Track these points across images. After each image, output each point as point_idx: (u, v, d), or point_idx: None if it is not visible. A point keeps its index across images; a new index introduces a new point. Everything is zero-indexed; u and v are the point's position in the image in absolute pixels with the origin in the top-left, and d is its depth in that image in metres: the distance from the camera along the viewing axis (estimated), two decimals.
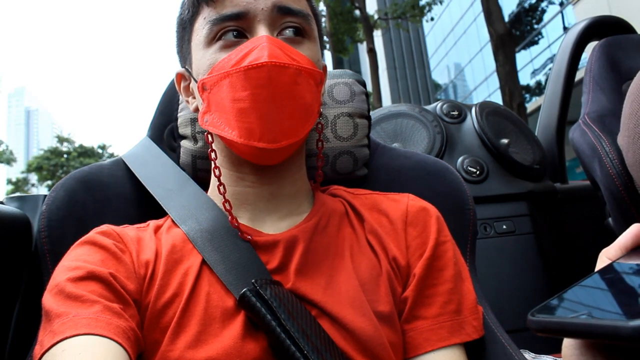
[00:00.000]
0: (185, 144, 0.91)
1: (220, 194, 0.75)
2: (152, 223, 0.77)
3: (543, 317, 0.39)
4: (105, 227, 0.73)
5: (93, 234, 0.71)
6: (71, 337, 0.56)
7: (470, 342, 0.71)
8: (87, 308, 0.60)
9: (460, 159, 1.59)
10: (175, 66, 0.84)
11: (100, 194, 0.86)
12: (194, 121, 0.90)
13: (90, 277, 0.63)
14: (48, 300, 0.63)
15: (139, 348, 0.62)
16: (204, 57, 0.72)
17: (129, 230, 0.74)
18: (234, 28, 0.70)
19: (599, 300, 0.40)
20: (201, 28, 0.72)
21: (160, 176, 0.86)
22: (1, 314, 0.94)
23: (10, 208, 0.99)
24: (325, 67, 0.84)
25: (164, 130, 0.95)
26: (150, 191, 0.83)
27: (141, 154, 0.92)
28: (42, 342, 0.58)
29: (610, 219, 1.21)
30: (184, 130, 0.91)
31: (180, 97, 0.93)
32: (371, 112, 0.99)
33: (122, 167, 0.90)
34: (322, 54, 0.81)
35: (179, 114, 0.92)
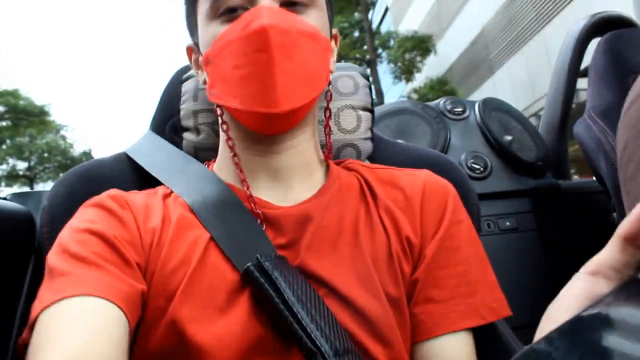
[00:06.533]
0: (187, 136, 0.91)
1: (233, 162, 0.75)
2: (161, 189, 0.77)
3: None
4: (114, 191, 0.73)
5: (102, 196, 0.71)
6: (73, 297, 0.56)
7: (479, 330, 0.70)
8: (90, 269, 0.60)
9: (463, 156, 1.59)
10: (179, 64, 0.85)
11: (101, 188, 0.86)
12: (196, 113, 0.90)
13: (96, 238, 0.63)
14: (52, 258, 0.63)
15: (138, 314, 0.62)
16: (207, 31, 0.72)
17: (137, 197, 0.74)
18: (236, 2, 0.70)
19: (580, 352, 0.36)
20: (204, 2, 0.72)
21: (164, 162, 0.85)
22: (5, 310, 0.94)
23: (14, 204, 0.99)
24: (336, 36, 0.83)
25: (166, 125, 0.95)
26: (154, 175, 0.82)
27: (145, 146, 0.91)
28: (42, 299, 0.58)
29: (615, 214, 1.21)
30: (187, 122, 0.91)
31: (183, 89, 0.93)
32: (374, 107, 0.99)
33: (123, 162, 0.90)
34: (331, 23, 0.80)
35: (181, 106, 0.92)
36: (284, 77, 0.65)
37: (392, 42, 15.09)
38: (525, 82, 11.67)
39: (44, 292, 0.59)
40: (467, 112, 1.72)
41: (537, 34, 11.18)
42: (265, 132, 0.73)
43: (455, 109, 1.72)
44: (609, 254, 0.47)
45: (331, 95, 0.82)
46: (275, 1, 0.70)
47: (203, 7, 0.73)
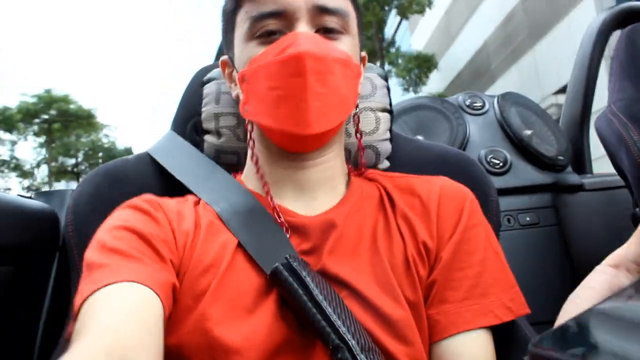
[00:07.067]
0: (209, 138, 0.91)
1: (257, 175, 0.78)
2: (191, 198, 0.79)
3: (542, 348, 0.36)
4: (147, 195, 0.76)
5: (136, 199, 0.74)
6: (112, 284, 0.59)
7: (500, 328, 0.71)
8: (128, 261, 0.62)
9: (483, 151, 1.58)
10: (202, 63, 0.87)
11: (125, 187, 0.87)
12: (217, 116, 0.91)
13: (133, 234, 0.66)
14: (90, 254, 0.65)
15: (170, 305, 0.64)
16: (244, 51, 0.75)
17: (169, 202, 0.76)
18: (274, 26, 0.73)
19: (601, 335, 0.36)
20: (242, 22, 0.76)
21: (188, 165, 0.86)
22: (31, 308, 0.96)
23: (39, 203, 1.01)
24: (364, 58, 0.86)
25: (187, 125, 0.96)
26: (179, 179, 0.84)
27: (167, 146, 0.92)
28: (82, 292, 0.60)
29: (637, 210, 1.19)
30: (208, 125, 0.92)
31: (205, 91, 0.95)
32: (392, 105, 0.99)
33: (147, 162, 0.91)
34: (361, 46, 0.83)
35: (202, 109, 0.93)
36: (317, 101, 0.69)
37: (400, 61, 16.60)
38: (519, 91, 12.82)
39: (84, 285, 0.61)
40: (486, 107, 1.71)
41: (529, 50, 12.48)
42: (294, 151, 0.76)
43: (475, 104, 1.71)
44: (631, 247, 0.47)
45: (359, 118, 0.86)
46: (311, 27, 0.73)
47: (241, 27, 0.76)
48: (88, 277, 0.62)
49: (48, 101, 23.95)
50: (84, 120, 25.31)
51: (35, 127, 24.87)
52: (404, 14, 15.59)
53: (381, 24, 16.44)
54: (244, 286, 0.67)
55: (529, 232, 1.51)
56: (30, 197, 1.06)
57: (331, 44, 0.73)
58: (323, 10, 0.73)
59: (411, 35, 22.25)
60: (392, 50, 16.97)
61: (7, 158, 24.49)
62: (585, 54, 1.73)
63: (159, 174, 0.89)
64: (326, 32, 0.74)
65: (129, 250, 0.63)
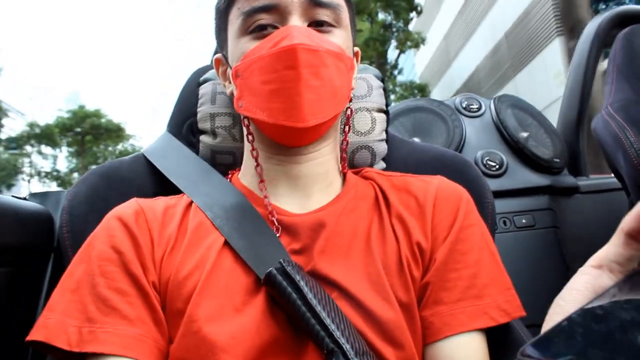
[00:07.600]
0: (204, 139, 0.91)
1: (256, 171, 0.78)
2: (185, 197, 0.79)
3: (530, 358, 0.36)
4: (132, 203, 0.76)
5: (124, 211, 0.74)
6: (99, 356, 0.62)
7: (495, 330, 0.70)
8: (115, 320, 0.64)
9: (479, 153, 1.58)
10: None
11: (121, 188, 0.87)
12: (213, 116, 0.91)
13: (118, 269, 0.67)
14: (77, 270, 0.68)
15: (162, 353, 0.66)
16: (238, 46, 0.76)
17: (157, 205, 0.76)
18: (267, 21, 0.73)
19: (589, 340, 0.36)
20: (235, 18, 0.76)
21: (182, 168, 0.86)
22: (26, 309, 0.96)
23: (33, 204, 1.01)
24: (357, 53, 0.85)
25: (183, 126, 0.96)
26: (174, 182, 0.83)
27: (162, 148, 0.92)
28: (65, 324, 0.64)
29: None
30: (204, 125, 0.92)
31: (200, 91, 0.94)
32: (389, 107, 0.99)
33: (142, 162, 0.91)
34: (354, 40, 0.83)
35: (198, 109, 0.93)
36: (311, 94, 0.69)
37: (397, 89, 18.09)
38: None
39: (69, 314, 0.64)
40: (483, 109, 1.71)
41: (512, 79, 13.88)
42: (289, 144, 0.76)
43: (471, 106, 1.71)
44: (613, 248, 0.47)
45: (351, 111, 0.85)
46: (304, 21, 0.73)
47: (234, 24, 0.76)
48: (76, 304, 0.65)
49: (82, 116, 27.22)
50: (114, 133, 28.38)
51: (69, 139, 27.88)
52: (400, 49, 16.84)
53: (383, 53, 17.46)
54: (232, 285, 0.67)
55: (524, 234, 1.51)
56: (24, 198, 1.06)
57: (324, 37, 0.73)
58: (315, 4, 0.74)
59: (415, 55, 23.21)
60: (395, 72, 18.14)
61: (49, 170, 27.75)
62: (582, 56, 1.74)
63: (154, 175, 0.89)
64: (319, 25, 0.75)
65: (116, 299, 0.65)
